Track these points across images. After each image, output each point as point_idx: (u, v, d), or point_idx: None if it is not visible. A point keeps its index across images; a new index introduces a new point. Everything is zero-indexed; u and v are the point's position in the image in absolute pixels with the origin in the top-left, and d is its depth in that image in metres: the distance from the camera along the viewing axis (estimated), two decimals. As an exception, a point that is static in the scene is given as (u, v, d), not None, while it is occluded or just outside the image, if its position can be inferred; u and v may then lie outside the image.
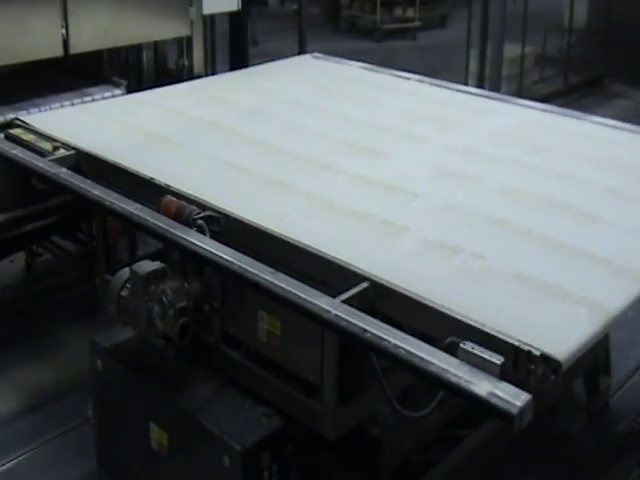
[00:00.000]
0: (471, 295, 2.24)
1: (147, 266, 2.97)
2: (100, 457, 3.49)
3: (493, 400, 1.90)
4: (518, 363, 2.02)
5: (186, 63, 4.95)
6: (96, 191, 2.95)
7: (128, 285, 3.04)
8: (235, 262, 2.45)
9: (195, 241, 2.59)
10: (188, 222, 2.75)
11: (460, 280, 2.33)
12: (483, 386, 1.93)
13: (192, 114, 3.72)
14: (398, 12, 12.91)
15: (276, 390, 2.85)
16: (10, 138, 3.56)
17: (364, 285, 2.34)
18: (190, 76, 4.80)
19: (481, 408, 1.94)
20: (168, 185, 2.94)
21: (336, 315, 2.19)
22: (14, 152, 3.33)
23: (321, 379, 2.67)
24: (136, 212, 2.79)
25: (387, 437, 2.91)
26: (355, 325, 2.15)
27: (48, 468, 3.69)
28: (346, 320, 2.16)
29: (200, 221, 2.74)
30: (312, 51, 5.05)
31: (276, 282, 2.34)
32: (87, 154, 3.29)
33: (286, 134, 3.44)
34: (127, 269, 3.09)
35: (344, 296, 2.29)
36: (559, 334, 2.07)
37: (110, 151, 3.25)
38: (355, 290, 2.32)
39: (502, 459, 3.38)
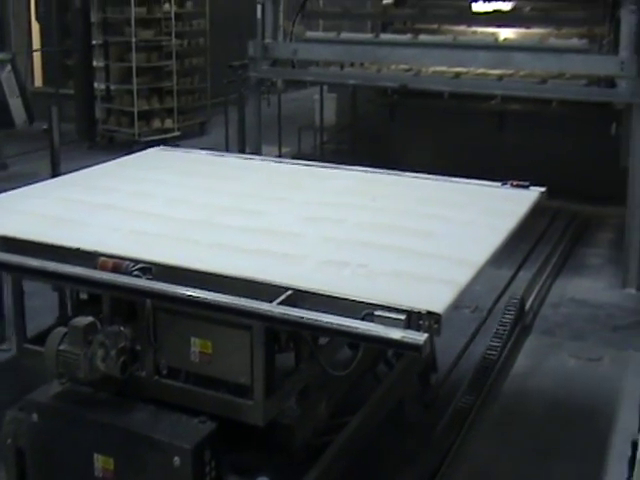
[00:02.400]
0: (367, 288, 3.55)
1: (83, 321, 4.00)
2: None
3: (405, 339, 3.20)
4: (412, 321, 3.33)
5: None
6: (35, 262, 3.97)
7: (65, 340, 4.03)
8: (191, 292, 3.59)
9: (147, 283, 3.71)
10: (126, 274, 3.84)
11: (355, 280, 3.65)
12: (397, 333, 3.22)
13: (83, 200, 4.81)
14: (156, 123, 14.30)
15: (210, 399, 3.95)
16: None
17: (289, 292, 3.57)
18: None
19: (397, 347, 3.23)
20: (97, 251, 4.01)
21: (279, 312, 3.41)
22: None
23: (252, 379, 3.83)
24: (87, 272, 3.83)
25: (296, 425, 4.09)
26: (295, 315, 3.38)
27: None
28: (287, 313, 3.39)
29: (137, 272, 3.84)
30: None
31: (225, 299, 3.52)
32: (4, 238, 4.25)
33: (172, 206, 4.67)
34: (60, 328, 4.08)
35: (277, 301, 3.50)
36: (433, 300, 3.41)
37: (29, 233, 4.25)
38: (283, 296, 3.54)
39: (373, 437, 4.70)
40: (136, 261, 3.88)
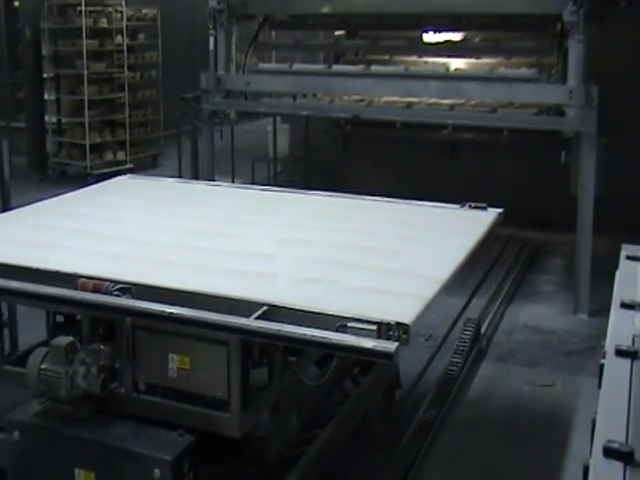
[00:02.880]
0: (339, 302, 3.84)
1: (64, 340, 4.24)
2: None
3: (378, 348, 3.50)
4: (382, 331, 3.62)
5: None
6: (17, 284, 4.21)
7: (47, 359, 4.26)
8: (172, 309, 3.86)
9: (129, 302, 3.97)
10: (107, 294, 4.09)
11: (327, 296, 3.94)
12: (370, 342, 3.52)
13: (57, 225, 5.05)
14: (109, 156, 14.47)
15: (188, 413, 4.20)
16: None
17: (264, 308, 3.84)
18: None
19: (370, 355, 3.52)
20: (77, 273, 4.25)
21: (256, 326, 3.68)
22: None
23: (228, 393, 4.09)
24: (70, 293, 4.08)
25: (270, 437, 4.35)
26: (272, 328, 3.66)
27: None
28: (265, 327, 3.67)
29: (117, 292, 4.10)
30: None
31: (206, 315, 3.79)
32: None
33: (146, 231, 4.94)
34: (41, 348, 4.32)
35: (254, 316, 3.78)
36: (402, 312, 3.71)
37: (7, 257, 4.48)
38: (259, 312, 3.82)
39: (341, 449, 4.97)
40: (116, 282, 4.13)
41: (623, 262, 4.38)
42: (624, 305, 3.73)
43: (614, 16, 9.94)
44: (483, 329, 7.77)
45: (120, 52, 14.85)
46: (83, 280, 4.17)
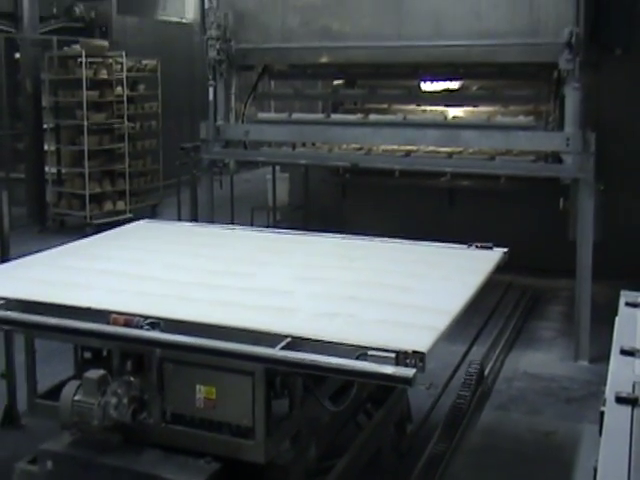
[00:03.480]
0: (357, 333, 4.22)
1: (96, 373, 4.61)
2: None
3: (397, 374, 3.87)
4: (400, 359, 3.99)
5: None
6: (54, 320, 4.58)
7: (80, 391, 4.62)
8: (202, 340, 4.23)
9: (160, 335, 4.34)
10: (138, 328, 4.46)
11: (346, 328, 4.32)
12: (389, 369, 3.89)
13: (83, 267, 5.43)
14: (108, 206, 14.87)
15: (214, 441, 4.56)
16: None
17: (288, 339, 4.21)
18: None
19: (390, 381, 3.89)
20: (108, 309, 4.62)
21: (281, 355, 4.06)
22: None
23: (253, 421, 4.45)
24: (104, 327, 4.45)
25: (291, 466, 4.70)
26: (297, 357, 4.03)
27: None
28: (290, 356, 4.04)
29: (147, 326, 4.47)
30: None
31: (234, 346, 4.16)
32: (19, 301, 4.85)
33: (168, 271, 5.34)
34: (73, 381, 4.68)
35: (279, 346, 4.15)
36: (417, 342, 4.08)
37: (41, 296, 4.85)
38: (284, 343, 4.19)
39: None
40: (145, 317, 4.51)
41: (622, 309, 4.52)
42: (624, 352, 3.84)
43: (610, 63, 10.48)
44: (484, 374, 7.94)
45: (120, 103, 15.27)
46: (115, 315, 4.54)
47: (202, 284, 5.12)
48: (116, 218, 14.41)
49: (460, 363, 8.33)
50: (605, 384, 3.56)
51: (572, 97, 8.52)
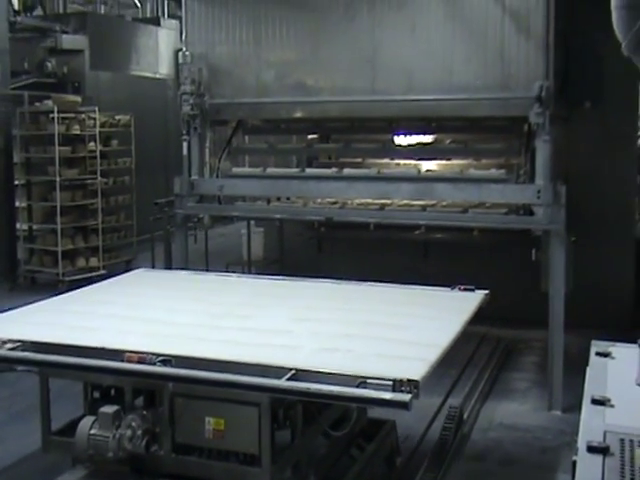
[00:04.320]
0: (356, 365, 4.82)
1: (110, 408, 5.16)
2: None
3: (395, 399, 4.46)
4: (396, 387, 4.59)
5: None
6: (69, 358, 5.13)
7: (95, 426, 5.15)
8: (213, 374, 4.80)
9: (174, 370, 4.91)
10: (151, 365, 5.02)
11: (346, 361, 4.93)
12: (388, 395, 4.50)
13: (89, 311, 6.00)
14: (81, 262, 15.23)
15: (221, 469, 5.11)
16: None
17: (292, 372, 4.80)
18: None
19: (388, 406, 4.48)
20: (121, 348, 5.18)
21: (287, 385, 4.64)
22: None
23: (259, 449, 5.01)
24: (121, 365, 5.00)
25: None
26: (302, 387, 4.62)
27: None
28: (296, 386, 4.63)
29: (159, 363, 5.03)
30: None
31: (243, 378, 4.73)
32: (34, 343, 5.38)
33: (172, 314, 5.97)
34: (88, 417, 5.22)
35: (284, 378, 4.74)
36: (412, 371, 4.69)
37: (54, 337, 5.40)
38: (289, 374, 4.77)
39: None
40: (157, 354, 5.07)
41: (593, 358, 4.76)
42: (595, 401, 4.04)
43: (579, 117, 11.12)
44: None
45: (93, 158, 15.65)
46: (129, 354, 5.11)
47: (206, 325, 5.75)
48: (89, 275, 14.74)
49: (435, 415, 8.62)
50: (577, 433, 3.74)
51: (542, 150, 8.91)
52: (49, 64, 18.08)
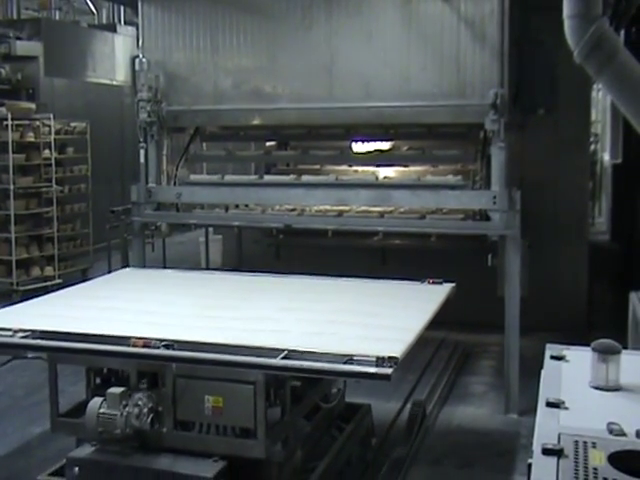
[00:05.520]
0: (342, 346, 5.79)
1: (117, 389, 6.06)
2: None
3: (380, 372, 5.44)
4: (379, 362, 5.54)
5: None
6: (80, 344, 6.02)
7: (104, 405, 6.04)
8: (214, 355, 5.73)
9: (178, 352, 5.84)
10: (156, 349, 5.94)
11: (331, 342, 5.89)
12: (372, 369, 5.47)
13: (90, 305, 6.96)
14: (36, 271, 15.83)
15: (220, 442, 6.05)
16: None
17: (285, 352, 5.74)
18: None
19: (373, 378, 5.44)
20: (126, 335, 6.08)
21: (283, 363, 5.59)
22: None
23: (255, 423, 5.96)
24: (130, 349, 5.91)
25: (284, 463, 6.23)
26: (296, 364, 5.58)
27: None
28: (291, 364, 5.58)
29: (163, 347, 5.94)
30: None
31: (242, 358, 5.67)
32: (43, 332, 6.25)
33: (166, 306, 6.96)
34: (96, 398, 6.11)
35: (279, 357, 5.68)
36: (392, 350, 5.65)
37: (63, 327, 6.28)
38: (282, 354, 5.72)
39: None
40: (160, 340, 5.98)
41: (547, 362, 4.99)
42: (549, 404, 4.23)
43: (533, 124, 11.88)
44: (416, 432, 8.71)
45: (48, 166, 16.21)
46: (134, 339, 6.01)
47: (200, 315, 6.74)
48: (44, 284, 15.34)
49: (395, 420, 9.15)
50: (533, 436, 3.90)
51: (498, 156, 9.42)
52: (3, 70, 18.55)
